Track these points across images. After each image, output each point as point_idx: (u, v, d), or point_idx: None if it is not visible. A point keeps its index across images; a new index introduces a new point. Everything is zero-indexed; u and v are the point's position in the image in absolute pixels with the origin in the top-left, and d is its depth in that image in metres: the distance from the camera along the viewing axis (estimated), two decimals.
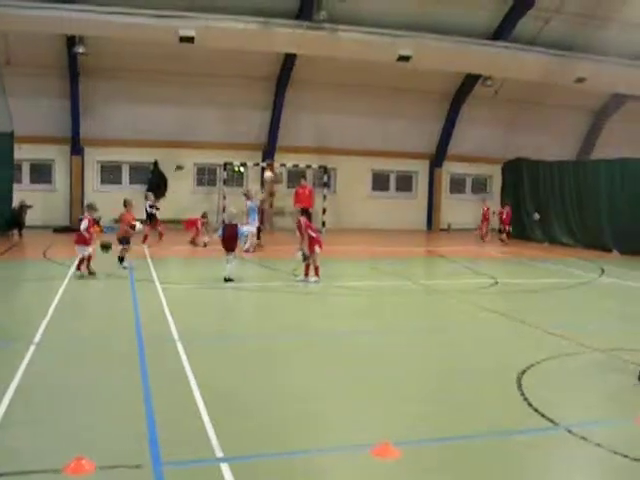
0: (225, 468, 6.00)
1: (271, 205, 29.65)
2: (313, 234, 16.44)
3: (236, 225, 16.51)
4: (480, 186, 36.42)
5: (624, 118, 34.63)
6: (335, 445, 6.74)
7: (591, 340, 11.43)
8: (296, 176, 30.10)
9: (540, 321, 12.87)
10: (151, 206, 23.97)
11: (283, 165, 30.60)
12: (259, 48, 26.67)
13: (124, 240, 17.66)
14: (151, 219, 23.78)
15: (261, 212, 23.81)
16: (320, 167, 30.74)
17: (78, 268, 16.24)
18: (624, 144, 31.28)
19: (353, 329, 12.20)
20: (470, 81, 32.02)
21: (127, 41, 25.42)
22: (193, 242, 23.79)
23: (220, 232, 16.40)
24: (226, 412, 7.52)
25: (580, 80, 29.20)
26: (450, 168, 34.98)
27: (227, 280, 15.90)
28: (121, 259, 17.61)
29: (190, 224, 24.61)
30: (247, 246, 21.78)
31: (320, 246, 16.42)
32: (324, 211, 30.22)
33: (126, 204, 18.18)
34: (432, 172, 34.61)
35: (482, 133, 34.05)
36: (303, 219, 16.69)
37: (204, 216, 24.58)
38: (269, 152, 30.87)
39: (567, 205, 28.87)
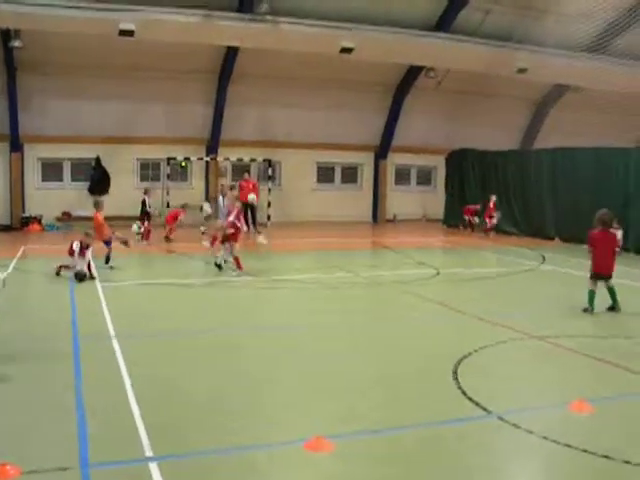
0: (154, 467, 5.93)
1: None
2: (238, 225, 16.50)
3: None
4: (425, 177, 36.65)
5: (565, 108, 35.12)
6: (269, 441, 6.71)
7: (529, 327, 11.61)
8: (240, 170, 29.91)
9: (479, 310, 13.01)
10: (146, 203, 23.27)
11: (227, 159, 30.41)
12: (201, 41, 26.38)
13: (106, 242, 17.25)
14: (148, 216, 23.14)
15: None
16: (264, 160, 30.59)
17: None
18: (565, 134, 31.75)
19: (294, 323, 12.18)
20: (413, 72, 32.12)
21: (66, 34, 24.86)
22: (167, 238, 23.35)
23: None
24: (160, 410, 7.44)
25: (521, 71, 29.51)
26: (395, 159, 35.06)
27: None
28: (107, 259, 17.21)
29: (171, 218, 24.01)
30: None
31: (235, 240, 16.60)
32: (269, 204, 30.08)
33: (97, 205, 17.66)
34: (377, 164, 34.65)
35: (426, 124, 34.18)
36: (240, 208, 16.73)
37: (184, 207, 24.38)
38: (212, 146, 30.61)
39: (510, 194, 29.17)
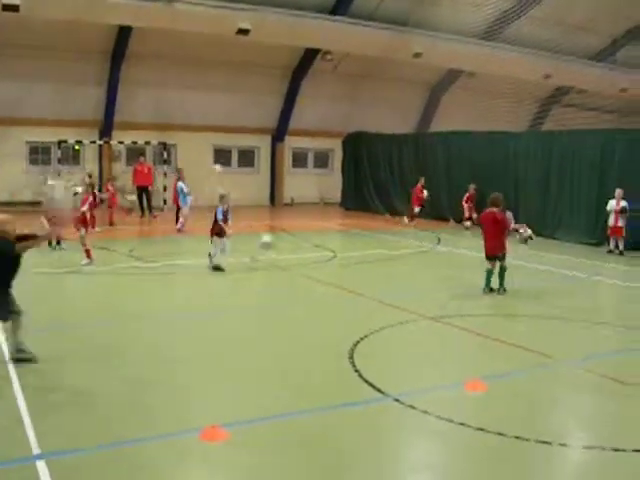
0: (41, 466, 5.69)
1: None
2: (86, 215, 15.75)
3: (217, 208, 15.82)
4: (322, 160, 36.76)
5: (459, 92, 35.78)
6: (163, 432, 6.55)
7: (424, 308, 11.78)
8: (135, 153, 29.22)
9: (376, 292, 13.12)
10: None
11: (121, 142, 29.60)
12: (92, 19, 25.34)
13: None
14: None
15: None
16: (160, 143, 29.96)
17: None
18: (460, 117, 32.33)
19: (188, 309, 11.96)
20: (310, 55, 32.02)
21: None
22: (112, 223, 22.83)
23: (220, 216, 15.63)
24: (47, 406, 7.15)
25: (417, 55, 29.90)
26: (292, 143, 34.96)
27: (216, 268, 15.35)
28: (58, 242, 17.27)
29: (112, 199, 23.47)
30: (179, 225, 22.26)
31: (85, 228, 15.70)
32: (164, 189, 29.49)
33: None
34: (274, 147, 34.54)
35: (324, 107, 34.22)
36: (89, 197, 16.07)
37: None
38: (106, 129, 29.73)
39: (406, 177, 29.61)
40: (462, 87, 35.62)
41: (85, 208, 15.83)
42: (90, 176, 22.74)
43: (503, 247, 13.30)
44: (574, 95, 37.42)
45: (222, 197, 15.87)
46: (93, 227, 16.36)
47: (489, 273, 13.26)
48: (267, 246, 15.78)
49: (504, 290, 13.28)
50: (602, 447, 6.44)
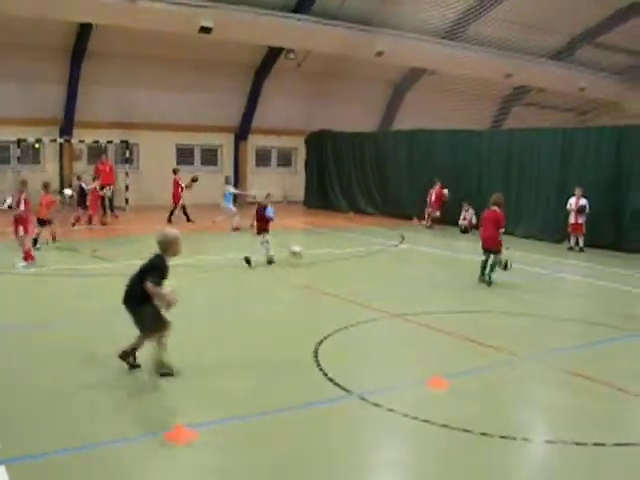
0: (1, 471, 5.58)
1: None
2: (21, 213, 15.41)
3: (265, 206, 16.15)
4: (286, 158, 36.75)
5: (422, 91, 36.00)
6: (128, 434, 6.47)
7: (389, 305, 11.84)
8: (97, 152, 28.91)
9: (341, 290, 13.15)
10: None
11: (82, 141, 29.28)
12: (52, 16, 25.00)
13: (43, 222, 17.30)
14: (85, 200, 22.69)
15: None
16: (122, 142, 29.68)
17: None
18: (422, 116, 32.51)
19: None
20: (273, 54, 31.99)
21: None
22: (91, 221, 22.78)
23: (271, 214, 16.19)
24: (6, 410, 7.03)
25: (379, 54, 30.02)
26: (255, 141, 34.94)
27: (270, 262, 16.18)
28: (35, 241, 16.97)
29: (94, 199, 23.26)
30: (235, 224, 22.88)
31: (25, 229, 15.44)
32: (127, 188, 29.27)
33: (46, 187, 17.66)
34: (237, 145, 34.46)
35: (287, 106, 34.23)
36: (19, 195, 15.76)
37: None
38: (66, 128, 29.40)
39: (369, 175, 29.76)
40: (425, 85, 35.84)
41: (22, 208, 15.48)
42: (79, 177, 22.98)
43: (498, 243, 14.18)
44: (534, 94, 37.89)
45: (268, 195, 16.59)
46: (26, 230, 15.81)
47: (484, 263, 14.16)
48: (296, 254, 16.49)
49: (490, 282, 14.11)
50: (564, 441, 6.51)
